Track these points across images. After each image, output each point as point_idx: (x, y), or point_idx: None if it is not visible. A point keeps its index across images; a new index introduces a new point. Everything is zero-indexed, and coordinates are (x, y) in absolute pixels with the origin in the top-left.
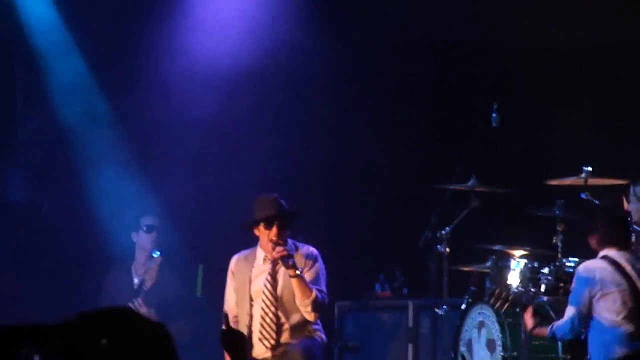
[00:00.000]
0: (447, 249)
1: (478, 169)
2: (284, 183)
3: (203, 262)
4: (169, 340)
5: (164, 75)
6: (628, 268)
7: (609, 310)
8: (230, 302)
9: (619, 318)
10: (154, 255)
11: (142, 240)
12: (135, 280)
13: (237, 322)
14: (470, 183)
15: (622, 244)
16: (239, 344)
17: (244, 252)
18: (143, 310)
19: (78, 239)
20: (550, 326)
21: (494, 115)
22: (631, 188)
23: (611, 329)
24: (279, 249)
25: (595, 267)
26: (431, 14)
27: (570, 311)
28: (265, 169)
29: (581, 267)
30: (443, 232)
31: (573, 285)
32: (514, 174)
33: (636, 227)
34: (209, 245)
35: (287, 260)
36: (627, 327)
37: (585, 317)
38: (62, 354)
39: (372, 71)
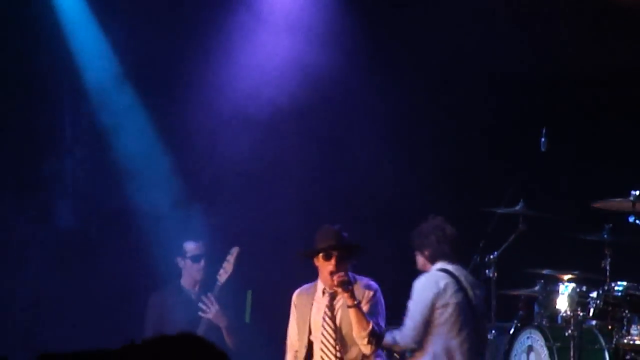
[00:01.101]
0: (495, 274)
1: (526, 193)
2: (333, 215)
3: (252, 287)
4: None
5: (210, 109)
6: (463, 281)
7: (447, 321)
8: (292, 337)
9: (456, 328)
10: (231, 252)
11: (190, 268)
12: (192, 297)
13: (297, 357)
14: (518, 207)
15: (453, 258)
16: None
17: (305, 286)
18: (214, 308)
19: (125, 264)
20: (390, 332)
21: (542, 139)
22: None
23: (448, 340)
24: (339, 274)
25: (436, 278)
26: (480, 42)
27: (411, 321)
28: (315, 200)
29: (422, 278)
30: (491, 256)
31: (414, 295)
32: (562, 198)
33: None
34: (257, 271)
35: (347, 286)
36: (462, 338)
37: (427, 326)
38: None
39: (422, 98)
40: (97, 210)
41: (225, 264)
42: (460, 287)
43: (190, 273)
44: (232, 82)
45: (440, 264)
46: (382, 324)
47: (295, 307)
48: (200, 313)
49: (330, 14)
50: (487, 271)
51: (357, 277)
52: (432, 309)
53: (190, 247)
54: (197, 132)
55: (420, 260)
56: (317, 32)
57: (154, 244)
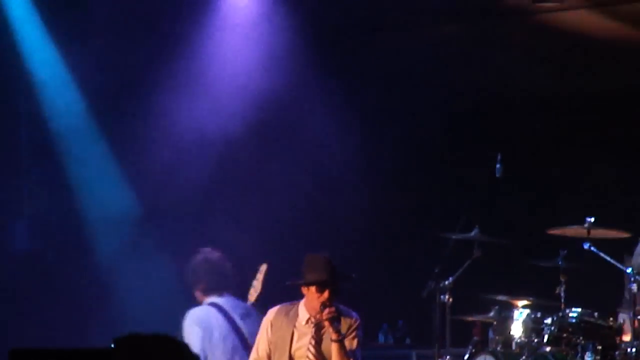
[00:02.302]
0: (450, 299)
1: (481, 219)
2: (288, 230)
3: None
4: None
5: (166, 126)
6: (231, 312)
7: (223, 353)
8: (262, 352)
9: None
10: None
11: None
12: None
13: None
14: (473, 233)
15: (222, 290)
16: None
17: (284, 306)
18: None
19: (82, 286)
20: None
21: (497, 165)
22: None
23: None
24: (330, 309)
25: (205, 314)
26: (435, 67)
27: None
28: (268, 217)
29: (194, 315)
30: (446, 282)
31: (189, 331)
32: (517, 225)
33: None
34: None
35: (336, 324)
36: None
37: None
38: None
39: (380, 120)
40: (54, 231)
41: (254, 282)
42: (227, 318)
43: None
44: (192, 104)
45: (210, 299)
46: (359, 357)
47: (272, 326)
48: None
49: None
50: (442, 296)
51: (342, 307)
52: (206, 343)
53: None
54: (155, 151)
55: (198, 295)
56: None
57: (115, 263)
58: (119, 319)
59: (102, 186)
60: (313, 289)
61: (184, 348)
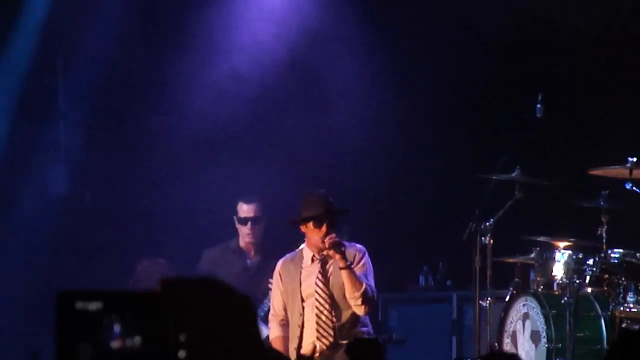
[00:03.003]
0: (491, 241)
1: (522, 160)
2: (325, 176)
3: None
4: (252, 314)
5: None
6: None
7: None
8: (277, 306)
9: None
10: None
11: (239, 230)
12: (248, 262)
13: (284, 324)
14: (514, 174)
15: None
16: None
17: (289, 255)
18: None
19: (121, 231)
20: None
21: (538, 106)
22: None
23: None
24: (331, 236)
25: None
26: (473, 8)
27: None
28: (306, 162)
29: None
30: (487, 223)
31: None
32: (558, 165)
33: None
34: None
35: (339, 248)
36: None
37: None
38: (143, 321)
39: (415, 62)
40: (92, 176)
41: None
42: None
43: (241, 235)
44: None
45: None
46: (373, 284)
47: (281, 276)
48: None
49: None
50: (483, 238)
51: (345, 242)
52: None
53: (241, 207)
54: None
55: None
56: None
57: (155, 208)
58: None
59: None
60: (311, 225)
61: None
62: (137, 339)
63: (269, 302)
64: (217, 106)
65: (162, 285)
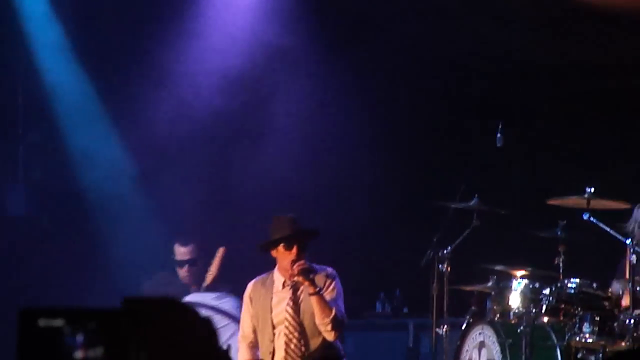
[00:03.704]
0: (449, 268)
1: (481, 189)
2: (284, 202)
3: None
4: (213, 336)
5: (168, 83)
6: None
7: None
8: (247, 329)
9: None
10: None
11: (178, 273)
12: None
13: (253, 347)
14: (472, 202)
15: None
16: None
17: (260, 278)
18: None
19: (78, 253)
20: None
21: (498, 135)
22: (635, 210)
23: None
24: (299, 263)
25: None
26: (438, 34)
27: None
28: (266, 190)
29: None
30: (445, 251)
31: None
32: (516, 194)
33: (638, 250)
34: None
35: (308, 274)
36: None
37: None
38: (105, 337)
39: (377, 88)
40: (49, 196)
41: (211, 266)
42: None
43: (179, 275)
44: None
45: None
46: (343, 309)
47: (251, 300)
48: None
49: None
50: (440, 266)
51: (316, 265)
52: None
53: (178, 250)
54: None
55: None
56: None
57: (110, 228)
58: (117, 286)
59: (99, 151)
60: (281, 248)
61: (192, 312)
62: (100, 350)
63: None
64: (175, 126)
65: (124, 303)
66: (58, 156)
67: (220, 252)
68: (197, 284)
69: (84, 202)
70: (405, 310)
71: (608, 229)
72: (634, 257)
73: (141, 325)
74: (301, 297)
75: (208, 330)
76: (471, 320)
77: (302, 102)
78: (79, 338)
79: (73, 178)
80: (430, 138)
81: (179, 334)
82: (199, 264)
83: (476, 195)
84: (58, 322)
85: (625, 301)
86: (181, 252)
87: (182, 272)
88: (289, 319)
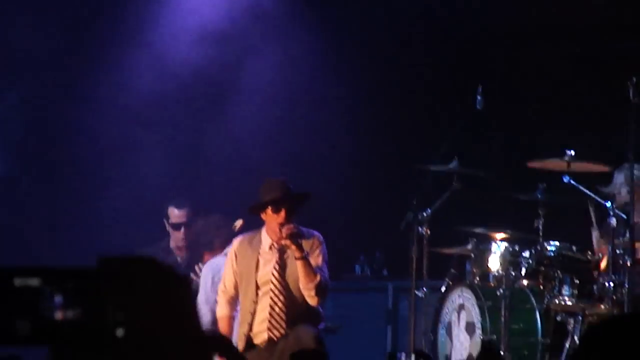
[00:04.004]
0: (428, 231)
1: (461, 151)
2: (264, 165)
3: None
4: (191, 295)
5: (145, 44)
6: None
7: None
8: (228, 283)
9: None
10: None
11: (172, 234)
12: (179, 260)
13: (232, 302)
14: (452, 165)
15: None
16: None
17: (247, 235)
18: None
19: (58, 215)
20: None
21: (478, 98)
22: (615, 174)
23: None
24: (288, 226)
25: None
26: None
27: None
28: (245, 152)
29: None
30: (424, 214)
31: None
32: (496, 157)
33: (619, 213)
34: None
35: (296, 239)
36: None
37: None
38: (83, 297)
39: (356, 49)
40: (29, 157)
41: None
42: None
43: (172, 238)
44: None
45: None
46: (327, 274)
47: (236, 256)
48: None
49: None
50: (420, 228)
51: (303, 229)
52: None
53: (172, 213)
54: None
55: (206, 256)
56: None
57: (89, 190)
58: (97, 247)
59: (77, 111)
60: (270, 211)
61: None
62: (78, 311)
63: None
64: (152, 87)
65: (101, 262)
66: (36, 117)
67: (238, 223)
68: (190, 248)
69: (63, 163)
70: (385, 272)
71: (588, 192)
72: (613, 220)
73: (119, 286)
74: (287, 260)
75: (186, 290)
76: (451, 283)
77: (280, 62)
78: (58, 298)
79: (52, 139)
80: (410, 100)
81: (157, 293)
82: (192, 226)
83: (456, 158)
84: (35, 282)
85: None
86: (177, 214)
87: (178, 235)
88: (275, 281)
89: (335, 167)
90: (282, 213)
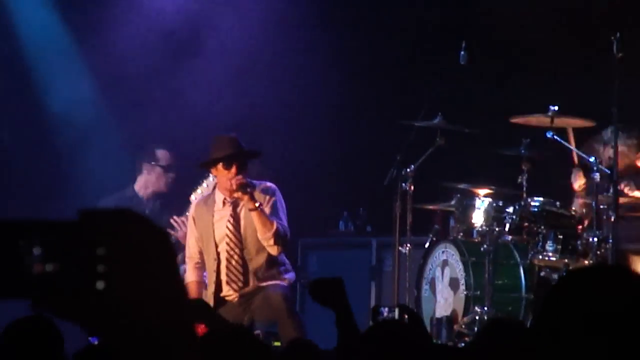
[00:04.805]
0: (412, 187)
1: (444, 107)
2: (246, 121)
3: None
4: (171, 248)
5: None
6: None
7: None
8: (192, 249)
9: None
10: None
11: (158, 177)
12: (147, 210)
13: (199, 267)
14: (436, 121)
15: None
16: (207, 310)
17: (202, 197)
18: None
19: (40, 171)
20: None
21: (462, 53)
22: (603, 133)
23: None
24: (237, 178)
25: None
26: None
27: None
28: (226, 107)
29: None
30: (408, 170)
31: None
32: (480, 113)
33: (603, 169)
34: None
35: (246, 189)
36: None
37: None
38: (62, 250)
39: (340, 5)
40: (11, 117)
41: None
42: None
43: (154, 182)
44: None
45: None
46: (285, 223)
47: (194, 220)
48: (169, 230)
49: None
50: (403, 184)
51: (256, 182)
52: None
53: (163, 154)
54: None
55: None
56: None
57: (73, 149)
58: (80, 204)
59: (62, 74)
60: (220, 166)
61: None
62: (57, 264)
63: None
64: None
65: (79, 215)
66: (20, 77)
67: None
68: (156, 194)
69: (46, 123)
70: (369, 228)
71: (572, 147)
72: (597, 176)
73: (99, 238)
74: (241, 213)
75: (167, 243)
76: (434, 238)
77: (262, 10)
78: (36, 251)
79: (36, 99)
80: (394, 56)
81: (137, 246)
82: (174, 170)
83: (440, 114)
84: (12, 233)
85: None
86: (167, 156)
87: (167, 178)
88: (230, 235)
89: (319, 123)
90: (233, 169)
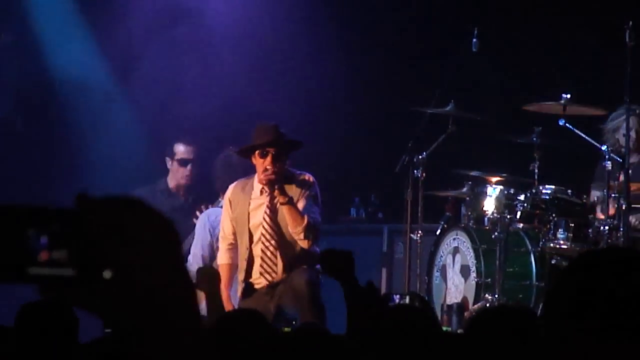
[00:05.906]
0: (424, 174)
1: (457, 94)
2: (261, 111)
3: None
4: (177, 237)
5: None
6: None
7: None
8: (227, 230)
9: None
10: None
11: (176, 171)
12: (177, 200)
13: (231, 249)
14: (448, 108)
15: None
16: (214, 281)
17: (240, 181)
18: None
19: (52, 156)
20: None
21: (474, 40)
22: (612, 115)
23: None
24: (266, 173)
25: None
26: None
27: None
28: (240, 97)
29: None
30: (420, 156)
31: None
32: (492, 100)
33: (615, 157)
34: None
35: (273, 185)
36: None
37: None
38: (70, 238)
39: None
40: (24, 99)
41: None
42: None
43: (175, 176)
44: None
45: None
46: (318, 216)
47: (231, 202)
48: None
49: None
50: (415, 171)
51: (296, 172)
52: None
53: (179, 149)
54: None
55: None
56: None
57: (85, 133)
58: (92, 190)
59: (75, 53)
60: (257, 155)
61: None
62: (64, 252)
63: (193, 238)
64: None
65: (83, 203)
66: (32, 59)
67: None
68: (188, 186)
69: (58, 106)
70: (380, 215)
71: (584, 135)
72: (609, 164)
73: (107, 226)
74: (278, 204)
75: (172, 232)
76: (446, 226)
77: (272, 5)
78: (43, 239)
79: (48, 81)
80: (406, 43)
81: (142, 235)
82: (198, 164)
83: (452, 101)
84: (19, 220)
85: (611, 211)
86: (185, 150)
87: (185, 171)
88: (266, 226)
89: (330, 109)
90: (269, 158)
